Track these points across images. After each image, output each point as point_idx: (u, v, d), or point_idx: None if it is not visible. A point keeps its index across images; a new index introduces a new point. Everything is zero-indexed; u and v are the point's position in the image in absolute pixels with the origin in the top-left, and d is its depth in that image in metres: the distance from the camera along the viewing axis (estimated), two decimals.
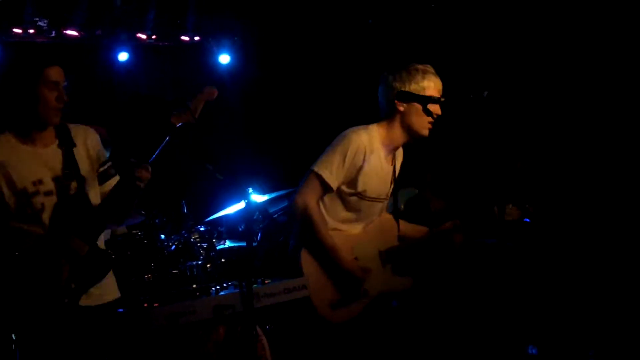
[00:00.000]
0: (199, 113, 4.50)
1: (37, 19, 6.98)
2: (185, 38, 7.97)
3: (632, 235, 5.88)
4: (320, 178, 4.47)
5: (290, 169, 7.22)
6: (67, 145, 4.02)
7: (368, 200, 4.62)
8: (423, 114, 4.47)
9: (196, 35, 8.03)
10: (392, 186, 4.76)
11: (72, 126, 4.11)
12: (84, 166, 4.06)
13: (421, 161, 5.89)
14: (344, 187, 4.55)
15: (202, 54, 8.26)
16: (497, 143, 5.70)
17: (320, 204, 4.59)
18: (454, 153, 6.67)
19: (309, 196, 4.48)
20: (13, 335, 3.79)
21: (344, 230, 4.63)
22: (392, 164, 4.74)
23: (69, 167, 4.01)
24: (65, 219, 3.93)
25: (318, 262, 4.53)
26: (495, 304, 5.91)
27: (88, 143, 4.16)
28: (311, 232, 4.49)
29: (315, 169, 4.47)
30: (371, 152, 4.54)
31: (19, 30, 6.98)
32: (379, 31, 7.66)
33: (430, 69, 4.60)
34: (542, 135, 6.44)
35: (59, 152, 4.02)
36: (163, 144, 4.37)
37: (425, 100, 4.44)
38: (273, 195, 6.11)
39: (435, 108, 4.51)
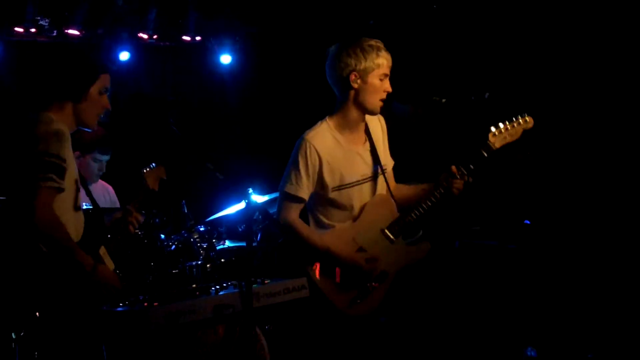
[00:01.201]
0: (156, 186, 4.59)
1: (38, 18, 6.99)
2: (186, 38, 7.98)
3: (632, 238, 5.88)
4: (289, 195, 4.53)
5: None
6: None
7: (351, 187, 4.57)
8: (377, 92, 4.47)
9: (197, 35, 8.04)
10: (378, 160, 4.66)
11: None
12: None
13: (422, 161, 5.91)
14: (320, 190, 4.55)
15: (203, 54, 8.26)
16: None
17: (312, 214, 4.62)
18: (454, 154, 6.67)
19: (287, 214, 4.53)
20: (13, 334, 3.79)
21: (341, 225, 4.60)
22: (364, 142, 4.66)
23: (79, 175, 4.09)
24: (92, 230, 4.00)
25: (324, 267, 4.52)
26: (495, 305, 5.91)
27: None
28: (303, 243, 4.52)
29: (285, 189, 4.54)
30: (325, 147, 4.52)
31: (21, 30, 6.99)
32: (380, 32, 7.65)
33: (381, 44, 4.53)
34: (543, 136, 6.44)
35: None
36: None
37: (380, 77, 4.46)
38: (273, 195, 6.10)
39: (387, 85, 4.50)
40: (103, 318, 4.02)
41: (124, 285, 4.03)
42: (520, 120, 4.80)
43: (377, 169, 4.66)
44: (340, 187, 4.55)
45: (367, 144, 4.67)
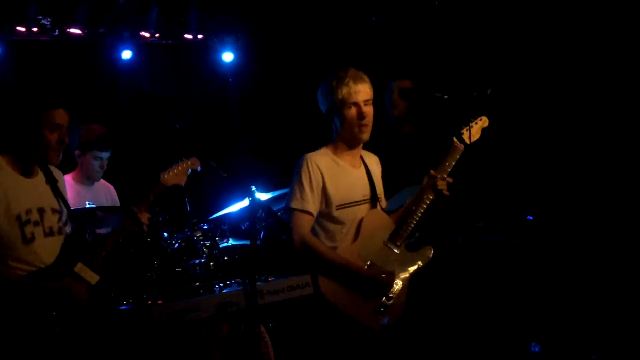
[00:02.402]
0: (184, 180, 4.57)
1: (40, 17, 6.99)
2: (188, 36, 7.97)
3: (635, 234, 5.88)
4: (299, 211, 4.54)
5: (293, 166, 7.23)
6: (52, 182, 4.17)
7: (350, 207, 4.62)
8: (352, 122, 4.57)
9: (199, 33, 8.03)
10: (373, 185, 4.75)
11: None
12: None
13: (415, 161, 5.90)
14: (324, 208, 4.59)
15: (205, 52, 8.25)
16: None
17: (317, 236, 4.62)
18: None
19: (300, 231, 4.52)
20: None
21: (342, 244, 4.61)
22: (361, 167, 4.76)
23: (62, 202, 4.15)
24: (69, 250, 4.04)
25: (340, 283, 4.51)
26: (499, 301, 5.91)
27: (62, 182, 4.34)
28: (320, 259, 4.51)
29: (292, 205, 4.56)
30: (326, 165, 4.60)
31: (23, 29, 6.98)
32: (382, 28, 7.65)
33: (350, 73, 4.61)
34: (546, 133, 6.44)
35: (48, 187, 4.17)
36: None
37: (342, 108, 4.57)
38: (277, 193, 6.11)
39: (363, 112, 4.57)
40: (107, 316, 4.04)
41: (90, 299, 4.05)
42: (478, 121, 4.92)
43: (374, 194, 4.75)
44: (343, 206, 4.60)
45: (363, 169, 4.77)
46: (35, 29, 7.04)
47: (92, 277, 4.06)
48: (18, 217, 3.96)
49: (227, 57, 8.24)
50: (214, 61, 8.27)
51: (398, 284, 4.61)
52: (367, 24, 7.75)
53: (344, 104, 4.56)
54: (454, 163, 4.74)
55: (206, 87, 8.44)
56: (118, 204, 6.19)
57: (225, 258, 5.42)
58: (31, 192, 4.07)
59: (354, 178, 4.69)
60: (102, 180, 6.14)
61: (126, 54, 7.61)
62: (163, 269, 4.98)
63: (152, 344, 4.26)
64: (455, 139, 4.77)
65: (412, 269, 4.70)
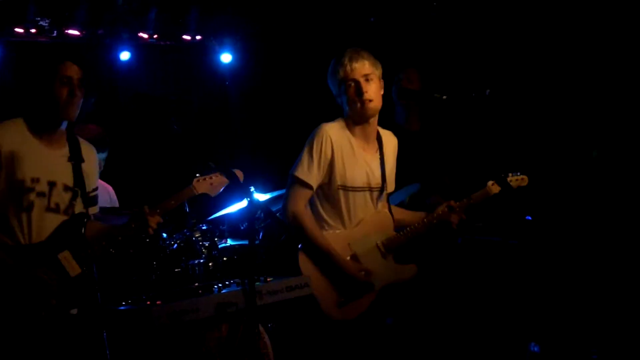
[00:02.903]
0: (216, 193, 4.54)
1: (39, 18, 6.98)
2: (187, 37, 7.97)
3: (635, 234, 5.88)
4: (299, 180, 4.54)
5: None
6: (77, 160, 4.11)
7: (352, 191, 4.62)
8: (353, 101, 4.58)
9: (198, 34, 8.03)
10: (385, 177, 4.75)
11: (82, 141, 4.19)
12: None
13: (421, 159, 5.90)
14: (326, 183, 4.60)
15: (204, 53, 8.25)
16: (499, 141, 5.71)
17: (313, 207, 4.66)
18: (456, 150, 6.67)
19: (295, 203, 4.55)
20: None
21: (338, 228, 4.64)
22: (375, 154, 4.75)
23: (78, 184, 4.09)
24: (63, 234, 4.00)
25: (317, 265, 4.55)
26: (498, 301, 5.91)
27: (92, 163, 4.30)
28: (305, 237, 4.53)
29: (295, 173, 4.55)
30: (340, 142, 4.59)
31: (21, 30, 6.98)
32: (380, 29, 7.65)
33: (347, 53, 4.66)
34: (544, 132, 6.44)
35: (69, 165, 4.09)
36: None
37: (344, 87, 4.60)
38: (275, 193, 6.10)
39: (362, 89, 4.56)
40: (107, 316, 4.03)
41: (57, 292, 3.97)
42: (521, 177, 5.04)
43: (383, 184, 4.75)
44: (345, 188, 4.61)
45: (377, 155, 4.76)
46: (33, 30, 7.04)
47: (73, 269, 3.97)
48: (20, 182, 3.92)
49: (226, 58, 8.24)
50: (212, 62, 8.27)
51: (369, 285, 4.60)
52: (365, 25, 7.75)
53: (344, 83, 4.59)
54: (477, 202, 4.82)
55: (205, 88, 8.44)
56: (117, 204, 6.18)
57: (224, 258, 5.41)
58: (47, 162, 4.03)
59: (364, 164, 4.68)
60: (100, 181, 6.13)
61: (125, 55, 7.61)
62: (162, 270, 4.97)
63: (152, 344, 4.26)
64: (490, 183, 4.83)
65: (393, 279, 4.72)
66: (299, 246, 4.57)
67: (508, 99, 6.16)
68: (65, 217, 4.08)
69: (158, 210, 4.24)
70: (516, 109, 6.42)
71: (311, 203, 4.66)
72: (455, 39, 7.13)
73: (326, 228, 4.63)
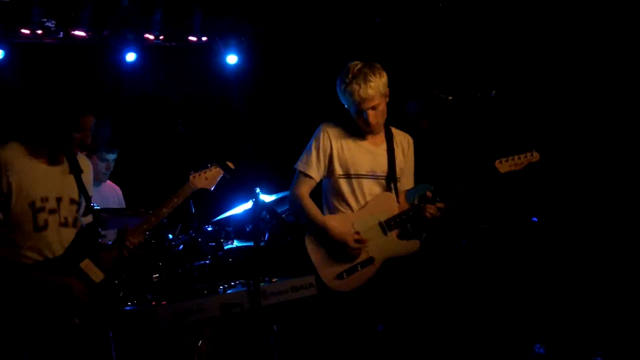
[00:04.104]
0: (213, 186, 4.61)
1: (44, 19, 6.99)
2: (192, 38, 7.97)
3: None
4: (302, 173, 4.91)
5: None
6: (76, 172, 4.16)
7: (356, 178, 4.88)
8: (359, 120, 4.82)
9: (203, 36, 8.03)
10: (393, 166, 4.93)
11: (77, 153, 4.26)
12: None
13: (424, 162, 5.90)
14: (330, 176, 4.90)
15: (209, 54, 8.25)
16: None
17: (325, 200, 4.98)
18: (461, 151, 6.67)
19: (297, 187, 4.92)
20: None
21: (344, 211, 4.88)
22: (382, 144, 4.95)
23: (83, 194, 4.14)
24: (80, 244, 4.04)
25: (318, 242, 4.77)
26: (503, 303, 5.90)
27: (89, 174, 4.39)
28: (305, 216, 4.84)
29: (297, 166, 4.94)
30: (339, 135, 4.89)
31: (27, 31, 6.99)
32: (386, 30, 7.65)
33: (357, 78, 4.74)
34: (549, 134, 6.43)
35: (71, 177, 4.14)
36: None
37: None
38: (281, 194, 6.10)
39: (367, 116, 4.76)
40: (112, 317, 4.04)
41: (91, 300, 4.04)
42: (528, 155, 4.94)
43: (391, 173, 4.92)
44: (349, 176, 4.85)
45: (384, 146, 4.96)
46: (39, 32, 7.05)
47: (97, 275, 4.06)
48: (32, 204, 3.99)
49: (231, 59, 8.24)
50: (217, 63, 8.27)
51: (369, 259, 4.78)
52: (371, 26, 7.75)
53: (353, 108, 4.79)
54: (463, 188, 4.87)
55: (210, 89, 8.45)
56: (124, 205, 6.19)
57: (230, 259, 5.42)
58: (51, 179, 4.10)
59: (364, 151, 4.91)
60: (108, 182, 6.15)
61: (130, 56, 7.61)
62: (167, 270, 4.98)
63: (156, 344, 4.26)
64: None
65: (392, 253, 4.85)
66: (305, 232, 4.83)
67: (514, 100, 6.16)
68: (75, 229, 4.18)
69: (152, 219, 4.33)
70: (521, 109, 6.41)
71: (324, 197, 5.00)
72: (461, 40, 7.12)
73: (334, 210, 4.93)
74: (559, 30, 6.47)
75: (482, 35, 6.99)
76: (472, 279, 6.04)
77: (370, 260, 4.78)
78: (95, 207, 5.01)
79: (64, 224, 4.11)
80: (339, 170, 4.86)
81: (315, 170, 4.87)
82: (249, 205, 5.90)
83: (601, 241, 5.94)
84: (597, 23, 6.23)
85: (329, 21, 7.80)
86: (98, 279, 4.06)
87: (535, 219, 6.12)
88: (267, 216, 5.71)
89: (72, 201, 4.17)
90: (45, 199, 4.04)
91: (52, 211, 4.06)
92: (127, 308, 4.34)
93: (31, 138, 4.09)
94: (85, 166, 4.35)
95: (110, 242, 4.36)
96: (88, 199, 4.26)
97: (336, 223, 4.79)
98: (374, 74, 4.72)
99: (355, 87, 4.70)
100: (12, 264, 3.92)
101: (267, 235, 5.94)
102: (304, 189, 4.90)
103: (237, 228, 6.05)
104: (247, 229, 6.07)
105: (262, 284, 4.48)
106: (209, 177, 4.58)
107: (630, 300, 5.72)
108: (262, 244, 5.73)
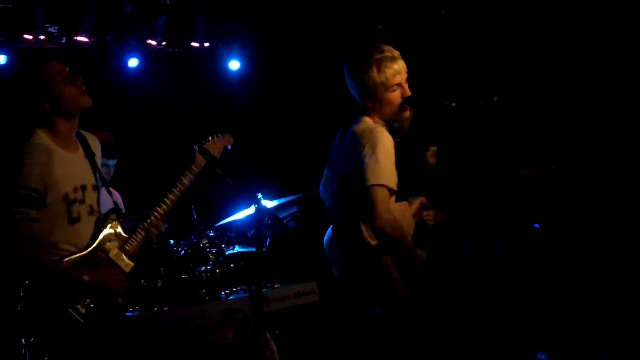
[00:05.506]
0: (219, 154, 4.57)
1: (47, 25, 7.01)
2: (195, 44, 7.99)
3: None
4: (386, 188, 4.01)
5: (300, 174, 7.23)
6: (90, 155, 4.13)
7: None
8: (392, 104, 4.27)
9: (206, 41, 8.05)
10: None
11: (85, 134, 4.20)
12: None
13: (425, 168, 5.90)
14: None
15: (212, 60, 8.27)
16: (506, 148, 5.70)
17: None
18: (462, 158, 6.67)
19: (388, 211, 4.01)
20: (23, 340, 3.80)
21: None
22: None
23: (99, 178, 4.12)
24: (106, 231, 4.02)
25: (401, 268, 4.15)
26: (505, 309, 5.90)
27: (98, 153, 4.30)
28: (402, 251, 4.12)
29: (375, 182, 3.98)
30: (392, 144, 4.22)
31: (30, 37, 7.00)
32: (388, 37, 7.66)
33: (389, 54, 4.31)
34: (552, 140, 6.44)
35: (87, 161, 4.11)
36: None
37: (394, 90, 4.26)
38: (283, 200, 6.12)
39: (404, 91, 4.30)
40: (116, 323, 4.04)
41: (131, 285, 4.02)
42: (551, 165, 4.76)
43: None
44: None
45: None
46: (42, 37, 7.06)
47: (127, 265, 4.04)
48: (65, 196, 3.93)
49: (234, 65, 8.25)
50: (220, 69, 8.29)
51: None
52: (373, 32, 7.76)
53: (387, 86, 4.24)
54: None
55: (212, 95, 8.46)
56: (123, 211, 6.19)
57: (232, 265, 5.44)
58: (76, 168, 4.05)
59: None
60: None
61: (133, 62, 7.63)
62: (169, 276, 4.98)
63: (159, 350, 4.26)
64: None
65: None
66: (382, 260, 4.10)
67: (516, 106, 6.16)
68: (97, 217, 4.11)
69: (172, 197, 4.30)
70: (524, 116, 6.42)
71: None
72: (463, 46, 7.13)
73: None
74: (560, 37, 6.48)
75: (484, 42, 7.00)
76: (474, 285, 6.04)
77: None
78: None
79: (91, 212, 4.05)
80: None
81: (396, 181, 4.05)
82: (251, 210, 5.91)
83: (604, 247, 5.94)
84: (598, 30, 6.24)
85: (331, 27, 7.81)
86: (128, 269, 4.03)
87: (537, 225, 6.12)
88: (269, 222, 5.72)
89: (93, 187, 4.10)
90: (76, 189, 3.98)
91: (81, 201, 4.00)
92: (129, 314, 4.34)
93: (44, 117, 4.02)
94: (95, 146, 4.28)
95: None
96: (105, 182, 4.22)
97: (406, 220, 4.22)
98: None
99: (390, 62, 4.24)
100: (49, 268, 3.85)
101: (269, 240, 5.95)
102: (393, 214, 4.03)
103: (239, 233, 6.06)
104: (249, 235, 6.08)
105: (265, 290, 4.47)
106: (215, 147, 4.58)
107: (633, 305, 5.71)
108: (264, 249, 5.73)
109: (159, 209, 4.24)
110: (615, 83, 6.18)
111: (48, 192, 3.87)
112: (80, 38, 7.21)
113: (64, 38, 7.16)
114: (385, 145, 4.06)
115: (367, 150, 4.04)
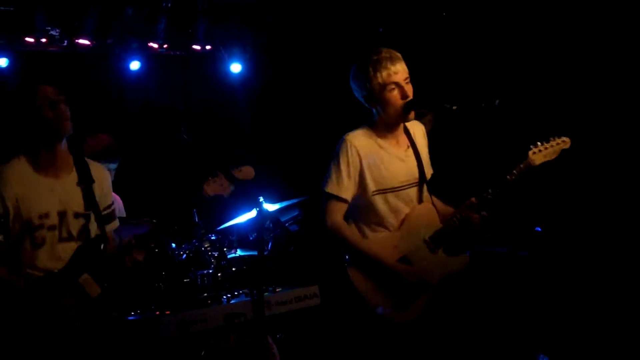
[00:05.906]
0: (229, 192, 4.51)
1: (49, 28, 7.00)
2: (196, 47, 7.98)
3: None
4: (332, 196, 4.40)
5: (301, 177, 7.23)
6: (86, 182, 4.12)
7: (392, 192, 4.45)
8: (394, 104, 4.38)
9: (207, 44, 8.04)
10: (422, 168, 4.57)
11: (90, 162, 4.21)
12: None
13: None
14: (362, 193, 4.44)
15: (213, 63, 8.26)
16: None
17: (355, 222, 4.50)
18: (463, 160, 6.67)
19: (331, 216, 4.41)
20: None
21: (383, 231, 4.47)
22: (406, 147, 4.58)
23: (90, 206, 4.11)
24: (82, 258, 4.02)
25: (367, 274, 4.38)
26: (507, 313, 5.89)
27: (104, 182, 4.32)
28: (349, 248, 4.41)
29: (327, 189, 4.42)
30: (367, 148, 4.42)
31: (31, 40, 7.00)
32: (389, 40, 7.66)
33: (387, 54, 4.42)
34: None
35: (78, 189, 4.11)
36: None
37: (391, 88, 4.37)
38: (284, 204, 6.11)
39: (405, 92, 4.38)
40: (115, 326, 4.03)
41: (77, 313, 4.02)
42: (559, 141, 4.64)
43: (422, 176, 4.58)
44: (384, 191, 4.44)
45: (410, 149, 4.59)
46: (43, 40, 7.05)
47: (94, 290, 4.03)
48: (29, 221, 3.97)
49: (235, 68, 8.24)
50: (222, 72, 8.28)
51: (424, 284, 4.42)
52: (374, 35, 7.76)
53: (385, 87, 4.37)
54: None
55: (214, 98, 8.45)
56: (124, 214, 6.19)
57: (233, 269, 5.43)
58: (53, 194, 4.06)
59: (396, 161, 4.50)
60: None
61: (134, 65, 7.62)
62: (171, 280, 4.98)
63: (160, 354, 4.25)
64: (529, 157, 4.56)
65: (446, 271, 4.52)
66: (346, 259, 4.42)
67: (517, 110, 6.16)
68: (79, 243, 4.12)
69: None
70: (525, 118, 6.41)
71: (352, 217, 4.51)
72: (464, 49, 7.13)
73: (373, 232, 4.48)
74: (560, 40, 6.48)
75: (485, 45, 7.00)
76: (477, 288, 6.03)
77: (425, 285, 4.44)
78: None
79: (66, 239, 4.06)
80: (372, 186, 4.41)
81: (348, 191, 4.39)
82: (252, 214, 5.90)
83: (606, 251, 5.93)
84: (599, 33, 6.23)
85: (332, 30, 7.81)
86: (94, 294, 4.02)
87: (539, 229, 6.12)
88: (271, 225, 5.71)
89: (76, 215, 4.11)
90: (44, 215, 4.01)
91: (51, 227, 4.03)
92: (131, 318, 4.33)
93: (28, 144, 4.06)
94: (99, 175, 4.29)
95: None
96: (97, 210, 4.19)
97: (381, 249, 4.38)
98: (399, 54, 4.48)
99: (388, 62, 4.36)
100: (7, 282, 3.91)
101: (270, 244, 5.94)
102: (339, 216, 4.41)
103: (240, 237, 6.05)
104: (251, 238, 6.07)
105: (266, 293, 4.47)
106: (223, 183, 4.44)
107: (635, 309, 5.71)
108: (265, 253, 5.72)
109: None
110: (615, 84, 6.18)
111: (10, 217, 3.95)
112: (81, 41, 7.20)
113: (65, 41, 7.15)
114: (343, 157, 4.39)
115: (333, 158, 4.43)
